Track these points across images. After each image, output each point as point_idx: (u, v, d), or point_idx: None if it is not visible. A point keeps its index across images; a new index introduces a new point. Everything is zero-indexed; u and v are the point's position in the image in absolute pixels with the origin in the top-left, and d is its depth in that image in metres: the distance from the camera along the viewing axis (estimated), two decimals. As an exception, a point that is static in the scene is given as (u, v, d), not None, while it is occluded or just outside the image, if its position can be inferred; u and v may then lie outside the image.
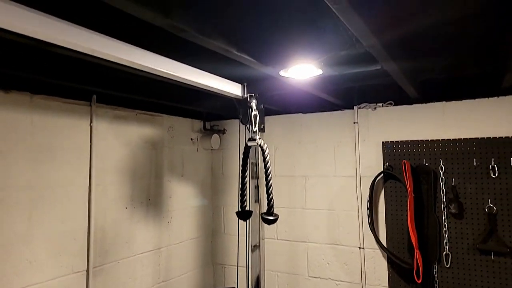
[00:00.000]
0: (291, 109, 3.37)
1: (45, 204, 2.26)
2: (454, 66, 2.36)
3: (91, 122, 2.53)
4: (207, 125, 3.61)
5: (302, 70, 1.95)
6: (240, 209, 2.13)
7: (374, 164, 3.01)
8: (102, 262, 2.59)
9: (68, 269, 2.37)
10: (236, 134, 3.57)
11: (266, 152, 2.04)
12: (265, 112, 3.38)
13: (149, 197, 3.02)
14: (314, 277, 3.19)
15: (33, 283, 2.17)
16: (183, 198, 3.39)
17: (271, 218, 1.98)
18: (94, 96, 2.53)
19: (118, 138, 2.75)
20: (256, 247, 2.59)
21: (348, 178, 3.12)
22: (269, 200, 2.00)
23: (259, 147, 2.10)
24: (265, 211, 2.03)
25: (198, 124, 3.60)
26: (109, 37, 1.45)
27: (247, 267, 2.64)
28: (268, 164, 2.01)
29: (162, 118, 3.19)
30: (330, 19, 1.70)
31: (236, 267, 3.33)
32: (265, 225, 3.29)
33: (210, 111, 3.49)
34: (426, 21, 1.85)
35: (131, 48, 1.56)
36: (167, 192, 3.21)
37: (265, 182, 2.01)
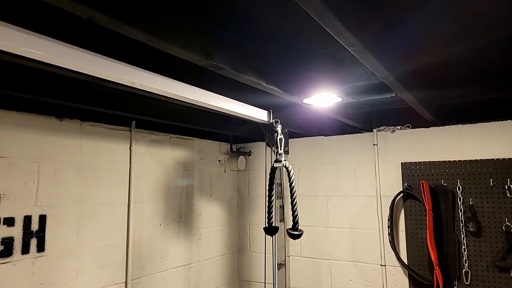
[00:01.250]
0: (314, 132, 3.57)
1: (90, 220, 2.50)
2: (466, 94, 2.52)
3: (130, 145, 2.79)
4: (234, 148, 3.84)
5: (323, 98, 2.15)
6: (267, 225, 2.31)
7: (393, 184, 3.15)
8: (139, 275, 2.80)
9: (109, 280, 2.59)
10: (260, 156, 3.79)
11: (291, 173, 2.23)
12: (289, 135, 3.60)
13: (181, 215, 3.24)
14: (337, 294, 3.30)
15: (79, 292, 2.39)
16: (212, 217, 3.59)
17: (296, 233, 2.15)
18: (134, 122, 2.80)
19: (153, 160, 3.00)
20: (282, 265, 2.74)
21: (368, 198, 3.26)
22: (294, 216, 2.18)
23: (284, 168, 2.29)
24: (290, 227, 2.20)
25: (225, 146, 3.83)
26: (156, 74, 1.71)
27: (274, 284, 2.79)
28: (293, 184, 2.20)
29: (193, 142, 3.44)
30: (348, 53, 1.91)
31: (263, 284, 3.46)
32: (290, 243, 3.44)
33: (236, 135, 3.72)
34: (436, 57, 2.05)
35: (171, 82, 1.81)
36: (197, 210, 3.42)
37: (290, 200, 2.19)
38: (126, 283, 2.69)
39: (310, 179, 3.56)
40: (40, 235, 2.22)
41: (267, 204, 2.32)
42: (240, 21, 1.69)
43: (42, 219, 2.24)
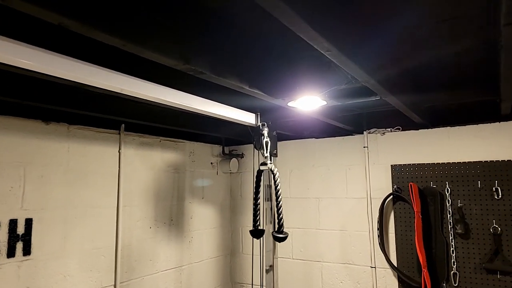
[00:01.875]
0: (305, 134, 3.57)
1: (78, 223, 2.51)
2: (453, 98, 2.53)
3: (119, 148, 2.80)
4: (226, 150, 3.85)
5: (308, 102, 2.16)
6: (253, 228, 2.31)
7: (384, 186, 3.15)
8: (128, 277, 2.81)
9: (98, 283, 2.60)
10: (253, 158, 3.79)
11: (276, 176, 2.24)
12: (280, 137, 3.61)
13: (172, 217, 3.25)
14: (328, 296, 3.30)
15: (67, 295, 2.40)
16: (204, 219, 3.60)
17: (281, 236, 2.15)
18: (123, 125, 2.81)
19: (143, 163, 3.01)
20: (270, 269, 2.74)
21: (359, 200, 3.27)
22: (279, 219, 2.18)
23: (270, 172, 2.29)
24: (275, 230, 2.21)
25: (217, 149, 3.84)
26: (139, 79, 1.72)
27: (261, 285, 2.80)
28: (278, 186, 2.21)
29: (184, 144, 3.45)
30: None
31: (255, 286, 3.46)
32: (282, 245, 3.45)
33: (228, 137, 3.72)
34: (420, 61, 2.05)
35: (155, 86, 1.83)
36: (188, 213, 3.42)
37: (276, 203, 2.20)
38: (115, 286, 2.70)
39: (301, 181, 3.57)
40: (26, 239, 2.23)
41: (253, 207, 2.33)
42: (221, 25, 1.70)
43: (28, 222, 2.25)
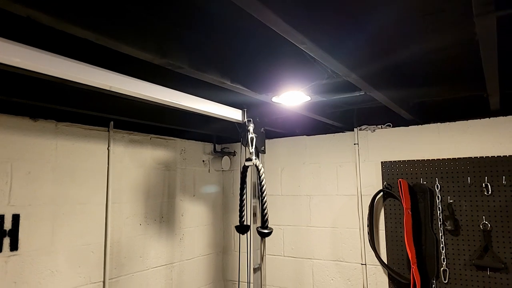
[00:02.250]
0: (296, 131, 3.57)
1: (66, 220, 2.52)
2: (440, 93, 2.52)
3: (108, 146, 2.81)
4: (217, 148, 3.85)
5: (292, 97, 2.16)
6: (239, 224, 2.31)
7: (374, 183, 3.15)
8: (118, 274, 2.81)
9: (86, 279, 2.60)
10: (244, 156, 3.80)
11: (261, 171, 2.24)
12: (271, 134, 3.61)
13: (162, 215, 3.25)
14: (319, 293, 3.30)
15: (54, 291, 2.41)
16: (195, 216, 3.60)
17: (265, 231, 2.15)
18: (112, 123, 2.82)
19: (133, 161, 3.02)
20: (258, 268, 2.72)
21: (350, 197, 3.26)
22: (264, 215, 2.18)
23: (255, 167, 2.29)
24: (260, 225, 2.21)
25: (209, 147, 3.84)
26: (125, 76, 1.72)
27: (248, 284, 2.79)
28: (263, 182, 2.21)
29: (175, 142, 3.46)
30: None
31: (247, 284, 3.46)
32: (273, 242, 3.44)
33: (219, 135, 3.73)
34: (404, 55, 2.04)
35: (142, 83, 1.83)
36: (179, 210, 3.43)
37: (260, 199, 2.20)
38: (104, 282, 2.70)
39: (292, 179, 3.57)
40: (14, 234, 2.24)
41: (239, 202, 2.33)
42: (201, 20, 1.70)
43: (16, 218, 2.26)
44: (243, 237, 2.69)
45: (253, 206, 2.66)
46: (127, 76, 1.75)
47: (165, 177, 3.31)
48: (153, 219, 3.16)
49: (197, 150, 3.72)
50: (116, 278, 2.80)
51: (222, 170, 3.93)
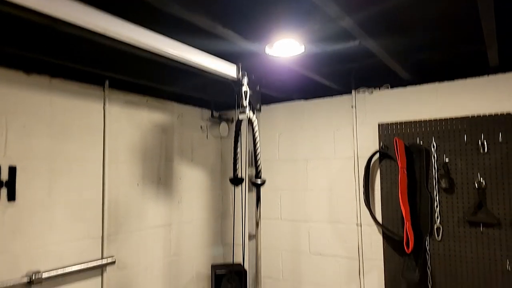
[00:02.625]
0: (293, 95, 3.56)
1: (63, 176, 2.54)
2: (434, 44, 2.48)
3: (104, 105, 2.81)
4: (215, 114, 3.85)
5: (286, 47, 2.14)
6: (233, 176, 2.33)
7: (371, 146, 3.14)
8: (116, 231, 2.85)
9: (84, 234, 2.64)
10: (243, 122, 3.79)
11: (254, 123, 2.24)
12: (269, 99, 3.60)
13: (160, 177, 3.28)
14: (316, 254, 3.34)
15: (52, 243, 2.45)
16: (193, 181, 3.63)
17: (258, 182, 2.17)
18: (107, 81, 2.81)
19: (130, 122, 3.03)
20: (252, 233, 2.71)
21: (347, 160, 3.27)
22: (257, 166, 2.20)
23: (249, 122, 2.29)
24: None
25: (207, 113, 3.84)
26: (103, 11, 1.68)
27: (243, 246, 2.80)
28: (256, 135, 2.21)
29: (172, 106, 3.46)
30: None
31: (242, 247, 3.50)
32: (270, 206, 3.47)
33: (217, 100, 3.71)
34: (398, 1, 2.00)
35: (125, 24, 1.78)
36: (177, 174, 3.45)
37: (253, 150, 2.21)
38: (102, 238, 2.75)
39: (290, 144, 3.57)
40: (11, 185, 2.27)
41: (233, 156, 2.34)
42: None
43: (12, 170, 2.29)
44: (241, 202, 2.70)
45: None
46: (114, 16, 1.71)
47: (162, 140, 3.33)
48: (150, 181, 3.18)
49: (195, 115, 3.72)
50: (115, 236, 2.85)
51: (221, 137, 3.94)
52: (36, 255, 2.36)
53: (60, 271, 2.43)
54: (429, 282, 2.77)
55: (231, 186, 3.86)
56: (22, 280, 2.25)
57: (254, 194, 2.53)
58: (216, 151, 3.96)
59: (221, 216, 3.92)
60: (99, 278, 2.72)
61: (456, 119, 2.78)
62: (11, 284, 2.19)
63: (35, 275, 2.28)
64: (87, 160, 2.70)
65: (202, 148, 3.77)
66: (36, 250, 2.36)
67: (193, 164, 3.65)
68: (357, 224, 3.14)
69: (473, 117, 2.73)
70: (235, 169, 2.32)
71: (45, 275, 2.33)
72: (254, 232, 2.61)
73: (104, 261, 2.71)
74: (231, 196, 3.89)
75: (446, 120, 2.82)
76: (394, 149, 2.89)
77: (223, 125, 3.82)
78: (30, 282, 2.27)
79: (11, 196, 2.26)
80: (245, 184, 2.49)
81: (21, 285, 2.26)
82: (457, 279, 2.68)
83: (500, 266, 2.55)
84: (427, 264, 2.78)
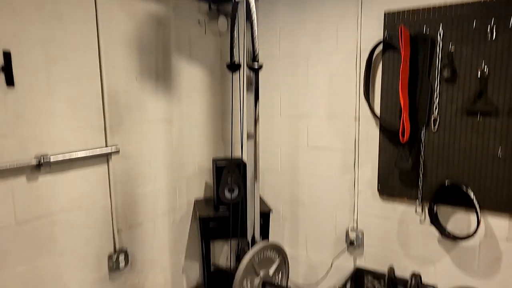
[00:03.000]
0: (296, -15, 3.34)
1: (59, 63, 2.50)
2: None
3: (94, -9, 2.67)
4: (213, 6, 3.66)
5: None
6: (230, 62, 2.29)
7: (375, 37, 3.03)
8: (118, 123, 2.91)
9: (87, 123, 2.70)
10: (243, 17, 3.63)
11: (251, 5, 2.13)
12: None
13: (158, 72, 3.24)
14: (313, 148, 3.44)
15: (56, 130, 2.52)
16: (192, 78, 3.60)
17: (255, 66, 2.14)
18: (95, -36, 2.63)
19: (122, 11, 2.90)
20: (251, 136, 2.71)
21: (349, 54, 3.18)
22: (254, 50, 2.14)
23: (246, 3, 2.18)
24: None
25: (204, 6, 3.66)
26: None
27: (241, 143, 2.86)
28: (253, 17, 2.11)
29: (167, -3, 3.28)
30: None
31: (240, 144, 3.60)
32: (270, 105, 3.47)
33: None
34: None
35: None
36: (175, 70, 3.41)
37: (250, 33, 2.14)
38: (105, 128, 2.81)
39: (291, 39, 3.45)
40: (8, 70, 2.25)
41: (230, 40, 2.27)
42: None
43: (7, 55, 2.26)
44: (241, 103, 2.68)
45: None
46: None
47: (158, 34, 3.22)
48: (148, 75, 3.16)
49: (192, 9, 3.55)
50: (116, 127, 2.91)
51: (220, 34, 3.80)
52: (42, 140, 2.44)
53: (67, 156, 2.54)
54: (421, 170, 2.87)
55: (231, 84, 3.85)
56: (31, 162, 2.36)
57: (253, 86, 2.52)
58: (215, 49, 3.86)
59: (222, 114, 3.96)
60: (105, 166, 2.85)
61: (468, 4, 2.62)
62: (21, 165, 2.30)
63: (43, 158, 2.39)
64: (83, 49, 2.65)
65: (200, 44, 3.67)
66: (41, 135, 2.44)
67: (191, 60, 3.58)
68: (355, 119, 3.17)
69: (485, 1, 2.57)
70: (232, 55, 2.27)
71: (52, 158, 2.43)
72: (253, 129, 2.65)
73: (109, 150, 2.81)
74: (231, 94, 3.88)
75: (456, 6, 2.66)
76: (399, 38, 2.78)
77: (222, 19, 3.66)
78: (39, 164, 2.38)
79: (10, 81, 2.27)
80: (243, 71, 2.46)
81: (30, 167, 2.38)
82: (448, 167, 2.77)
83: (492, 153, 2.62)
84: (420, 153, 2.85)
